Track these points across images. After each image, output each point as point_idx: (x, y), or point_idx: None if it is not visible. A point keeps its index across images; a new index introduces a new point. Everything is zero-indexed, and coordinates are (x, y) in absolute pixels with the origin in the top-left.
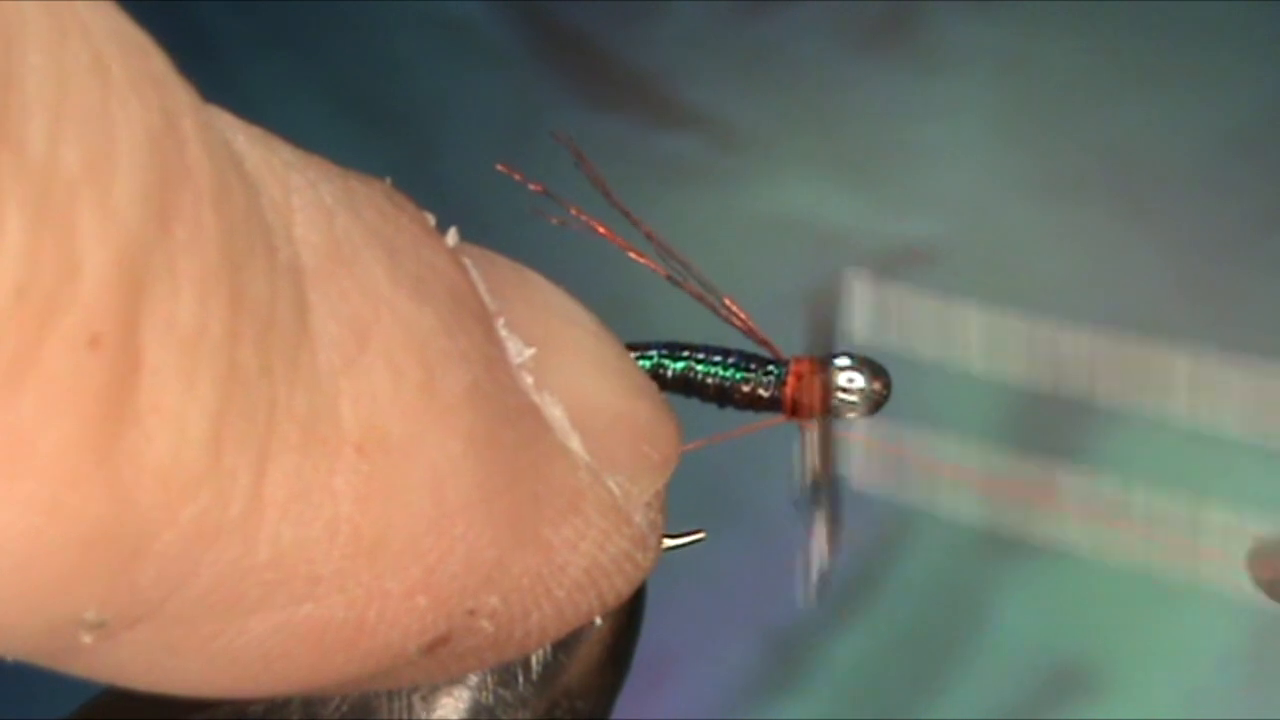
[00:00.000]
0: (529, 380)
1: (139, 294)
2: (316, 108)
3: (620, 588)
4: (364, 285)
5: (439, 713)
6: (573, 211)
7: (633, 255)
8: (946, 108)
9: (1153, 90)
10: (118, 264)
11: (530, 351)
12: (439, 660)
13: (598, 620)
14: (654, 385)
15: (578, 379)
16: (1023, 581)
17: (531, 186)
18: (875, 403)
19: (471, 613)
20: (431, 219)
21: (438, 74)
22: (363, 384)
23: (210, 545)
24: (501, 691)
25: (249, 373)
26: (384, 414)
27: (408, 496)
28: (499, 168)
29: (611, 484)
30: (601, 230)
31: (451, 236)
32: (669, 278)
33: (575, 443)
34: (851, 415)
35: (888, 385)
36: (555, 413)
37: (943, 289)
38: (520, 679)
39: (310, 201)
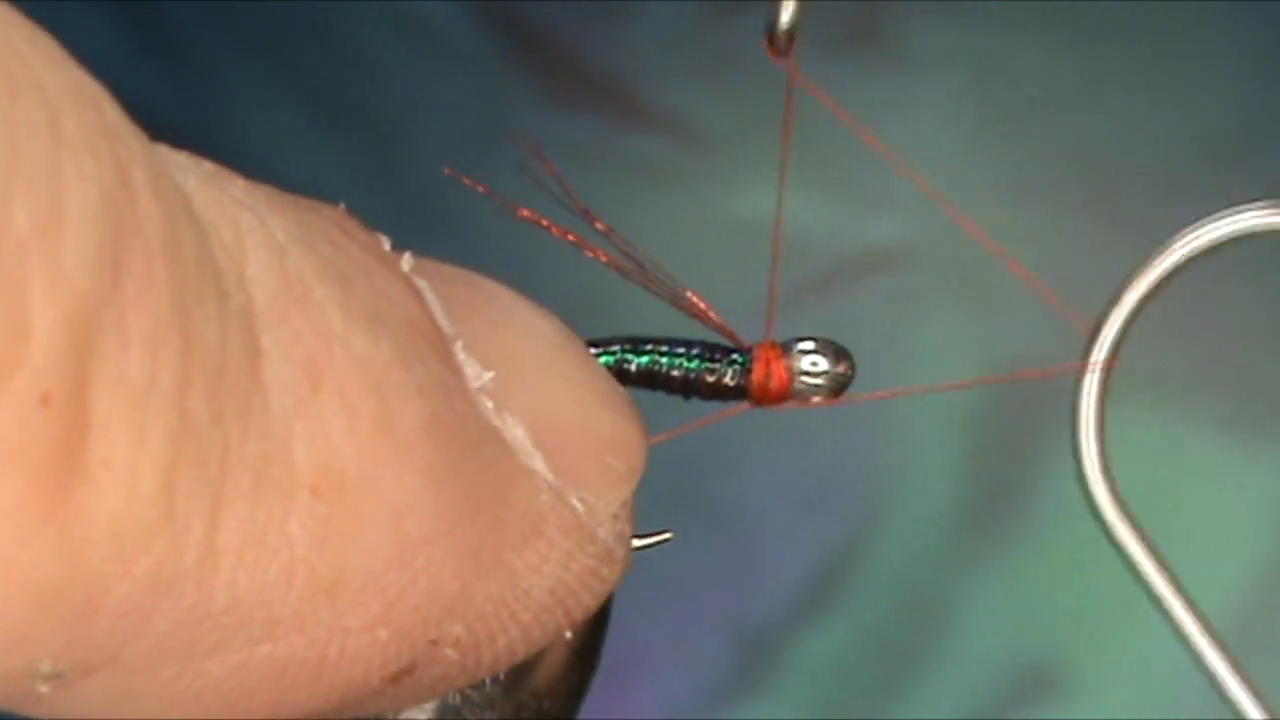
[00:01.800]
0: (489, 404)
1: (88, 351)
2: (285, 109)
3: (587, 604)
4: (316, 324)
5: (405, 713)
6: (523, 213)
7: (590, 253)
8: (915, 110)
9: (1123, 93)
10: (67, 323)
11: (489, 375)
12: (405, 689)
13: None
14: (620, 391)
15: (539, 396)
16: (992, 581)
17: (480, 189)
18: (840, 384)
19: (435, 643)
20: (386, 242)
21: (406, 75)
22: (316, 425)
23: (165, 595)
24: (469, 692)
25: (200, 422)
26: (339, 453)
27: (366, 535)
28: (447, 171)
29: (575, 501)
30: (555, 230)
31: (406, 261)
32: (629, 273)
33: (538, 462)
34: (817, 398)
35: (851, 366)
36: (517, 434)
37: (910, 292)
38: (487, 680)
39: (261, 241)
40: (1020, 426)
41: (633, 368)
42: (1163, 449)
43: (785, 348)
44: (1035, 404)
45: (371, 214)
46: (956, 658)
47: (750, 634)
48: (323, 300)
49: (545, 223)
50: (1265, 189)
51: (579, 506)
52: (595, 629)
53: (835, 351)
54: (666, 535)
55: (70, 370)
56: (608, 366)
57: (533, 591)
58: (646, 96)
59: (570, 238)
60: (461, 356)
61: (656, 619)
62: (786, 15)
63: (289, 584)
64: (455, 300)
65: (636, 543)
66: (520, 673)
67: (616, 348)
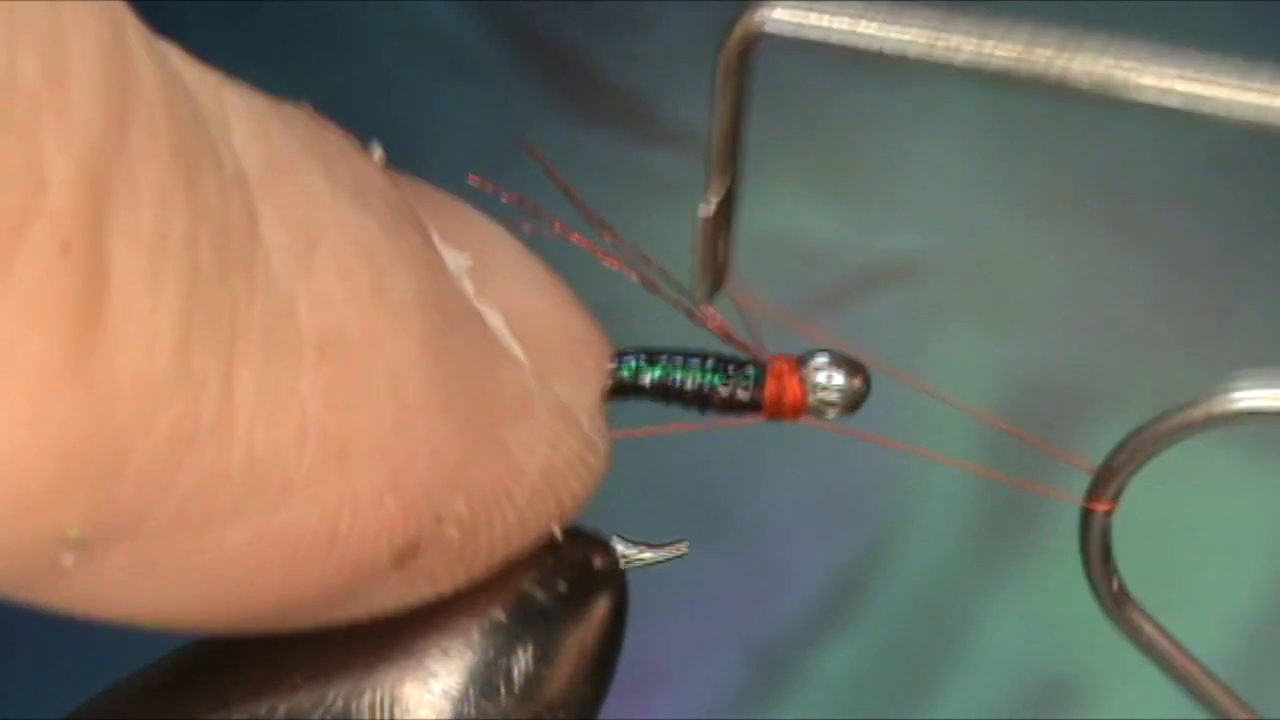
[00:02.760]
0: (469, 287)
1: (103, 201)
2: None
3: (576, 491)
4: (306, 192)
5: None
6: (549, 222)
7: (610, 263)
8: (931, 123)
9: (1138, 105)
10: (82, 172)
11: (467, 261)
12: (409, 576)
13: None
14: (580, 300)
15: (511, 291)
16: (1009, 594)
17: (504, 198)
18: (855, 400)
19: (439, 519)
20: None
21: (421, 88)
22: (317, 287)
23: (187, 452)
24: (484, 704)
25: (210, 277)
26: (339, 316)
27: (370, 397)
28: (471, 180)
29: (556, 389)
30: (575, 238)
31: (376, 150)
32: (645, 284)
33: (517, 350)
34: (831, 414)
35: (867, 382)
36: (496, 322)
37: (926, 304)
38: (502, 691)
39: (245, 115)
40: (1037, 438)
41: (647, 380)
42: (1177, 464)
43: (800, 361)
44: (1052, 417)
45: None
46: (973, 670)
47: (766, 647)
48: (308, 172)
49: (575, 236)
50: None
51: (560, 395)
52: (611, 640)
53: (850, 366)
54: (683, 547)
55: (87, 219)
56: (622, 379)
57: (526, 471)
58: (661, 111)
59: (594, 248)
60: (439, 243)
61: (672, 631)
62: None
63: (302, 445)
64: (424, 198)
65: (653, 555)
66: (535, 684)
67: (631, 359)
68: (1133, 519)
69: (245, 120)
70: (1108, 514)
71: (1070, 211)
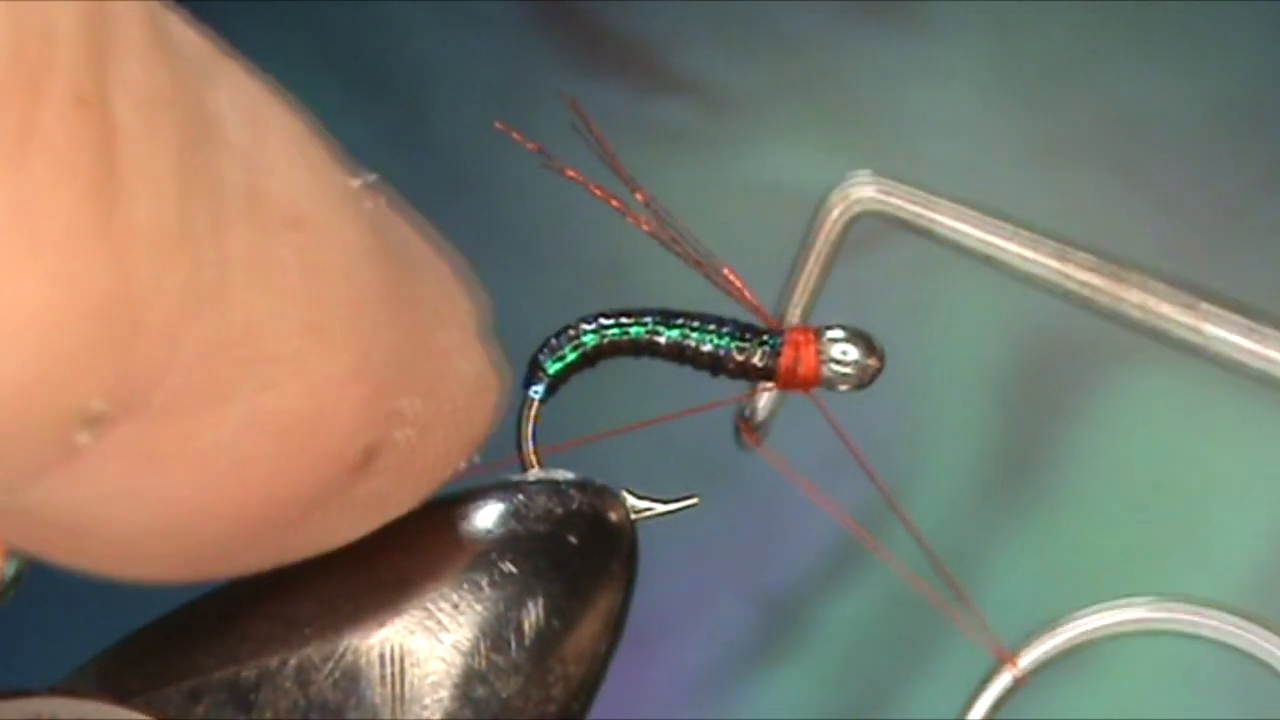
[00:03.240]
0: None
1: (105, 52)
2: (313, 72)
3: (489, 414)
4: (241, 85)
5: (431, 678)
6: (569, 173)
7: (633, 220)
8: (940, 72)
9: (1148, 54)
10: (85, 26)
11: (373, 176)
12: (366, 493)
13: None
14: None
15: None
16: (1018, 545)
17: (530, 145)
18: (869, 376)
19: (393, 416)
20: None
21: (432, 38)
22: (274, 164)
23: (195, 317)
24: (494, 657)
25: (195, 140)
26: (298, 195)
27: (333, 276)
28: (497, 125)
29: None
30: (600, 193)
31: None
32: (667, 244)
33: (437, 259)
34: (844, 387)
35: (881, 359)
36: (409, 232)
37: (934, 256)
38: (513, 645)
39: (174, 22)
40: (1045, 390)
41: (663, 340)
42: (1190, 413)
43: (817, 334)
44: (1061, 368)
45: (399, 177)
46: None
47: (774, 598)
48: (234, 71)
49: (594, 187)
50: None
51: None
52: (621, 593)
53: (866, 343)
54: (694, 500)
55: (95, 70)
56: (638, 337)
57: (460, 376)
58: (673, 61)
59: (614, 203)
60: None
61: (681, 584)
62: (762, 408)
63: (286, 316)
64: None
65: (664, 508)
66: (546, 638)
67: (648, 318)
68: (1152, 468)
69: (175, 26)
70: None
71: (1077, 162)
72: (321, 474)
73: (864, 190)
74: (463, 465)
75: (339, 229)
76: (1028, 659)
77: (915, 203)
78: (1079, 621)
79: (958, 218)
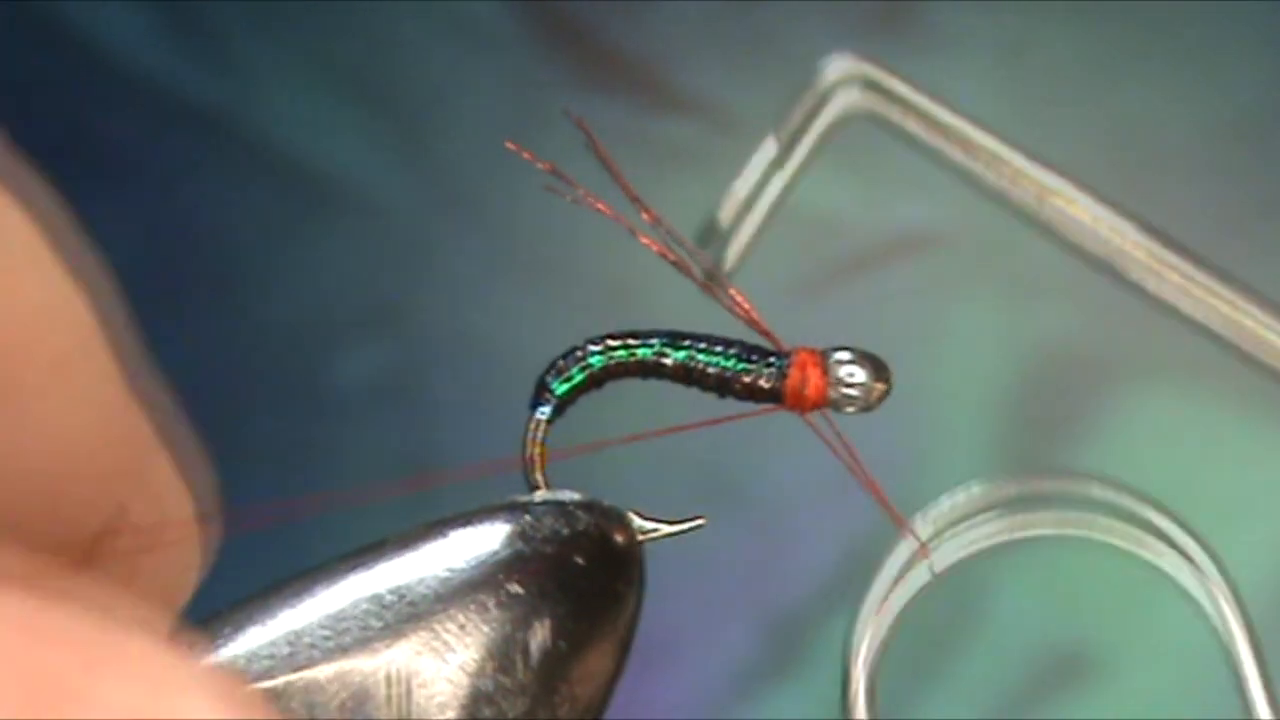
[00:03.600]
0: None
1: None
2: (318, 93)
3: (189, 574)
4: None
5: (438, 699)
6: (581, 193)
7: (645, 242)
8: (944, 91)
9: (1151, 76)
10: None
11: None
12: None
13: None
14: None
15: None
16: (1024, 566)
17: (541, 165)
18: (876, 399)
19: (122, 511)
20: None
21: (437, 59)
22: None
23: None
24: (501, 678)
25: None
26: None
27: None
28: (509, 145)
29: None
30: (608, 212)
31: None
32: (676, 265)
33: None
34: (851, 409)
35: (889, 381)
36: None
37: (940, 276)
38: (520, 666)
39: None
40: (1051, 412)
41: (669, 361)
42: (1194, 433)
43: (824, 355)
44: (1067, 389)
45: (403, 198)
46: (988, 643)
47: (781, 619)
48: None
49: (603, 206)
50: None
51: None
52: (628, 614)
53: (874, 364)
54: (700, 521)
55: None
56: (645, 358)
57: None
58: (676, 81)
59: (624, 222)
60: None
61: (688, 604)
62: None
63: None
64: None
65: (671, 529)
66: (553, 658)
67: (655, 340)
68: (1155, 487)
69: None
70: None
71: (1085, 182)
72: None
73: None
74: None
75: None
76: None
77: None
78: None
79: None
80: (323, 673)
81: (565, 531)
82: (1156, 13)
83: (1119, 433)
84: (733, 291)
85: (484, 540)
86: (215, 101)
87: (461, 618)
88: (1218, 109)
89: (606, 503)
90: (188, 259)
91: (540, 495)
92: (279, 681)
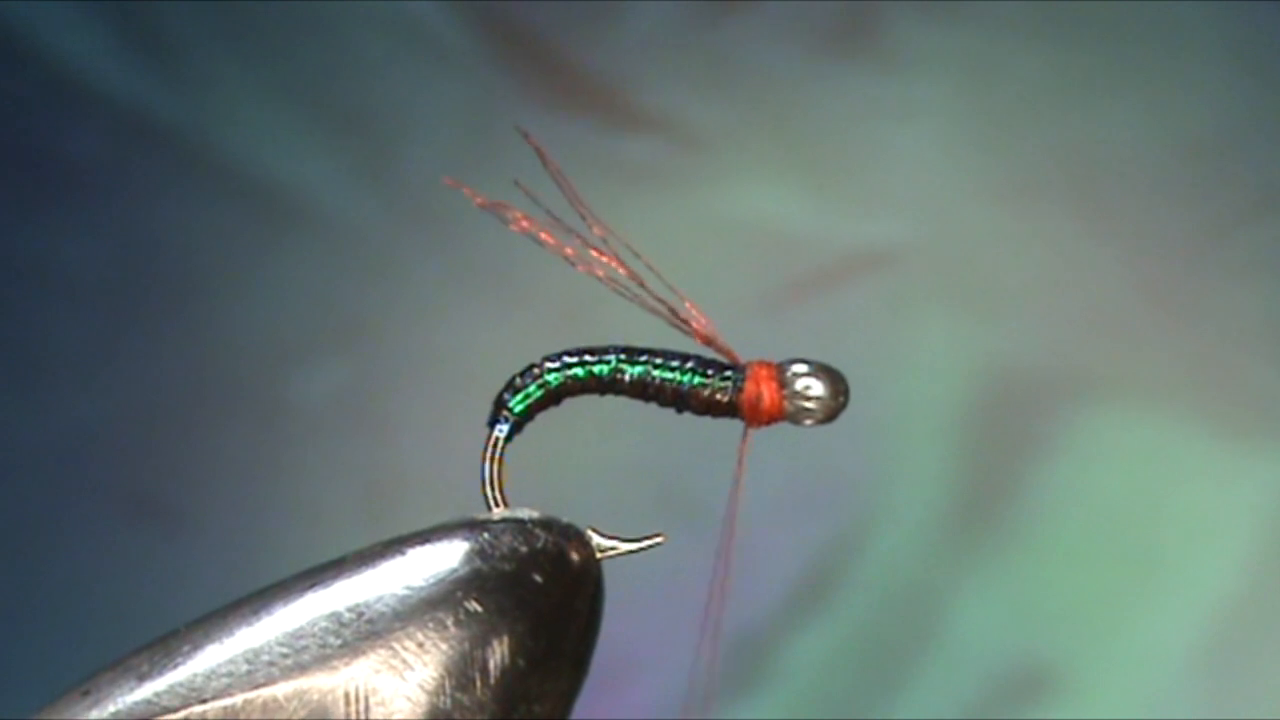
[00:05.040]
0: None
1: None
2: (280, 110)
3: None
4: None
5: (397, 717)
6: (523, 223)
7: (583, 269)
8: (906, 111)
9: (1113, 95)
10: None
11: None
12: None
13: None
14: None
15: None
16: (981, 581)
17: (476, 201)
18: (834, 410)
19: None
20: None
21: (400, 78)
22: None
23: None
24: (460, 696)
25: None
26: None
27: None
28: (446, 181)
29: None
30: (551, 241)
31: None
32: (620, 286)
33: None
34: (809, 421)
35: (845, 392)
36: None
37: (902, 293)
38: (479, 683)
39: None
40: (1009, 429)
41: (626, 377)
42: (1152, 452)
43: (780, 368)
44: (1025, 406)
45: (364, 215)
46: (946, 657)
47: (740, 635)
48: None
49: (543, 235)
50: (1255, 190)
51: None
52: (586, 631)
53: (831, 376)
54: (659, 538)
55: None
56: (602, 375)
57: None
58: (637, 98)
59: (568, 251)
60: None
61: (647, 621)
62: None
63: None
64: None
65: (630, 546)
66: (511, 676)
67: (611, 357)
68: (1113, 506)
69: None
70: None
71: (1044, 199)
72: None
73: None
74: None
75: None
76: None
77: None
78: None
79: None
80: (281, 690)
81: (524, 549)
82: (1119, 36)
83: (1078, 450)
84: (688, 304)
85: (442, 558)
86: (179, 121)
87: (420, 635)
88: (1181, 128)
89: (565, 520)
90: (150, 277)
91: (499, 513)
92: (237, 699)
